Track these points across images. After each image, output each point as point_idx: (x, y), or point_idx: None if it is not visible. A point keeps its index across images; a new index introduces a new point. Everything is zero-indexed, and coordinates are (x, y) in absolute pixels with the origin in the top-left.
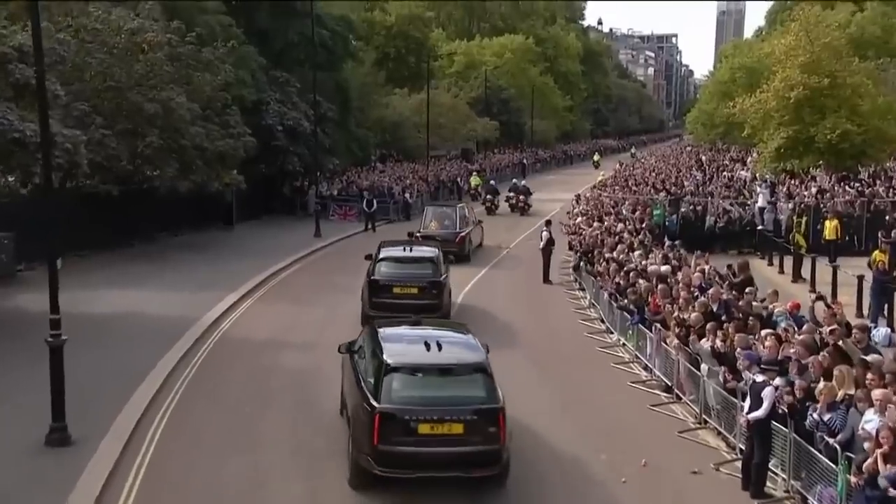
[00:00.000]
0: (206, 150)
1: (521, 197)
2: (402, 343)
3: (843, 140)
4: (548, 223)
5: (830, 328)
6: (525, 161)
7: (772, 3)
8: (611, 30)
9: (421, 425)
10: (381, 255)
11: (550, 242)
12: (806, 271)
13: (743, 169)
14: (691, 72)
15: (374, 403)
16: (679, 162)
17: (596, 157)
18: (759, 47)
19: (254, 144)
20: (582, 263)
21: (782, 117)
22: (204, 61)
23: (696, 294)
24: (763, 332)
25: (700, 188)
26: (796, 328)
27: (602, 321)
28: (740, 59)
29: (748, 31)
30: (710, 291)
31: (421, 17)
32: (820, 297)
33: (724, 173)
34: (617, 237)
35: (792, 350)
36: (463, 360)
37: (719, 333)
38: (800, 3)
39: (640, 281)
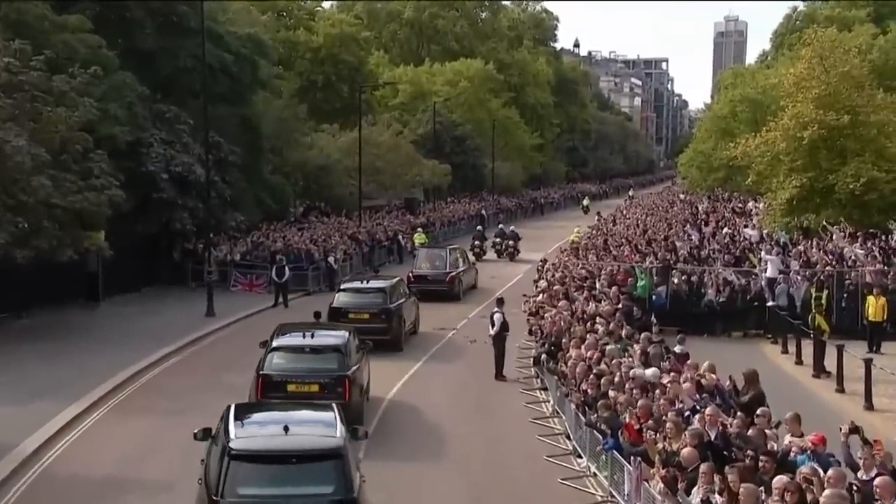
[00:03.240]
0: (57, 206)
1: (510, 242)
2: (290, 335)
3: (869, 190)
4: (500, 302)
5: (875, 484)
6: (484, 212)
7: (778, 23)
8: (589, 53)
9: (289, 385)
10: (342, 287)
11: (504, 328)
12: (831, 361)
13: (748, 225)
14: (685, 102)
15: (260, 371)
16: (670, 215)
17: (585, 202)
18: (765, 76)
19: (122, 198)
20: (543, 357)
21: (794, 162)
22: (56, 93)
23: (686, 414)
24: (777, 482)
25: (696, 251)
26: (823, 476)
27: (568, 438)
28: (742, 89)
29: (750, 56)
30: (707, 414)
31: (355, 38)
32: (854, 430)
33: (725, 230)
34: (588, 323)
35: None
36: (324, 343)
37: (718, 479)
38: (812, 24)
39: (613, 393)
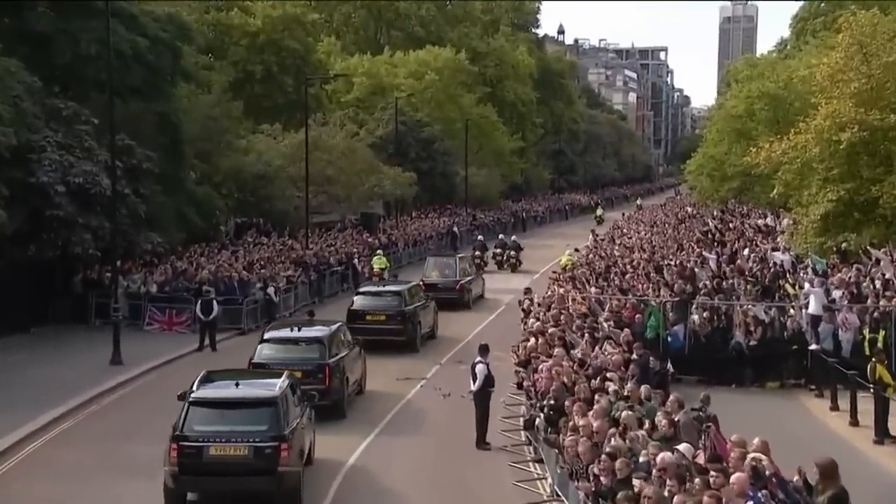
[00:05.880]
0: None
1: (512, 253)
2: (280, 329)
3: None
4: (483, 350)
5: None
6: (457, 229)
7: (798, 6)
8: (576, 41)
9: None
10: (361, 290)
11: (489, 382)
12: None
13: (777, 248)
14: (687, 98)
15: (252, 360)
16: (679, 234)
17: (599, 211)
18: (787, 67)
19: (3, 217)
20: (538, 422)
21: (829, 170)
22: None
23: None
24: None
25: (718, 281)
26: None
27: None
28: (760, 83)
29: (762, 45)
30: None
31: (301, 21)
32: None
33: (746, 251)
34: (596, 380)
35: None
36: (308, 336)
37: None
38: (839, 8)
39: (638, 482)
